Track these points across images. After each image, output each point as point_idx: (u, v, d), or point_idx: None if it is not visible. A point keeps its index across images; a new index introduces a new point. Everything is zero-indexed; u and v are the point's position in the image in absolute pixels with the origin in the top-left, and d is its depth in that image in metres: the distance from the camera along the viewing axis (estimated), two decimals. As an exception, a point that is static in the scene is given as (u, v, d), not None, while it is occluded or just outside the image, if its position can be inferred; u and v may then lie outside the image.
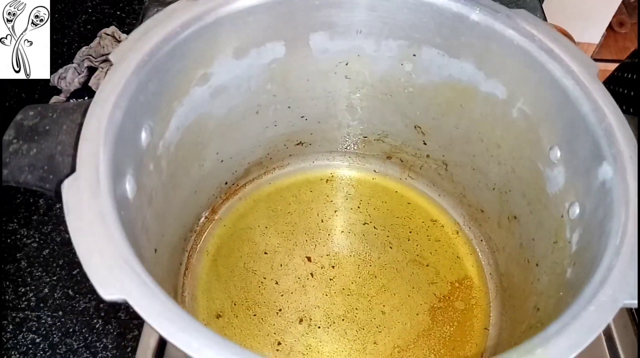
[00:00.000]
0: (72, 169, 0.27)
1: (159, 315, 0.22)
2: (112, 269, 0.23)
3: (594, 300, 0.24)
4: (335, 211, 0.52)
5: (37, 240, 0.62)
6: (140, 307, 0.22)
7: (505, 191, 0.44)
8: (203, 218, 0.49)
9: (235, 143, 0.47)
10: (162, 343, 0.48)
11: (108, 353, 0.55)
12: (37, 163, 0.30)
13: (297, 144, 0.52)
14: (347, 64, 0.45)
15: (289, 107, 0.47)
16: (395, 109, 0.48)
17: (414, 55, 0.43)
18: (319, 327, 0.45)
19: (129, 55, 0.32)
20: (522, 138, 0.40)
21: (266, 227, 0.50)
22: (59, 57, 0.68)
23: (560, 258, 0.34)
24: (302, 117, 0.49)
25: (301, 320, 0.45)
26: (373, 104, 0.48)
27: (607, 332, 0.45)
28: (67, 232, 0.67)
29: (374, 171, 0.54)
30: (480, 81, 0.41)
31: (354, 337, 0.45)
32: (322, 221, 0.51)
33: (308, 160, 0.54)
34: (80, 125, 0.30)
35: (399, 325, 0.45)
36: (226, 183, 0.50)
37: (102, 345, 0.56)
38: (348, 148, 0.53)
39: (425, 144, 0.50)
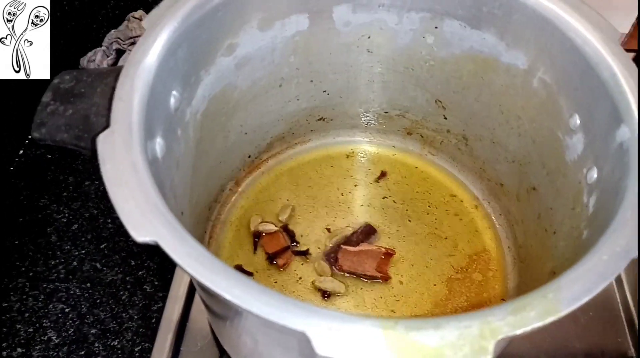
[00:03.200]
0: (107, 125, 0.28)
1: (188, 256, 0.23)
2: (144, 214, 0.24)
3: (607, 250, 0.25)
4: (355, 185, 0.53)
5: (66, 215, 0.64)
6: (170, 248, 0.23)
7: (525, 163, 0.44)
8: (227, 190, 0.50)
9: (259, 116, 0.48)
10: (185, 315, 0.50)
11: (133, 323, 0.57)
12: (73, 122, 0.32)
13: (319, 119, 0.53)
14: (369, 38, 0.46)
15: (311, 81, 0.48)
16: (416, 83, 0.48)
17: (436, 27, 0.44)
18: (338, 295, 0.46)
19: (160, 21, 0.33)
20: (542, 108, 0.40)
21: (287, 200, 0.51)
22: (88, 40, 0.70)
23: (577, 222, 0.35)
24: (324, 91, 0.50)
25: (320, 289, 0.46)
26: (394, 78, 0.49)
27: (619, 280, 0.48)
28: (95, 208, 0.69)
29: (394, 146, 0.55)
30: (501, 51, 0.41)
31: (372, 305, 0.46)
32: (342, 195, 0.52)
33: (329, 136, 0.55)
34: (114, 88, 0.32)
35: (416, 295, 0.46)
36: (249, 157, 0.51)
37: (127, 316, 0.57)
38: (369, 123, 0.54)
39: (445, 118, 0.50)
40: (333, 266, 0.46)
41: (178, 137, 0.37)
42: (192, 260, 0.23)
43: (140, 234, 0.24)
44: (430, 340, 0.21)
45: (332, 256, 0.47)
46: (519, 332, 0.21)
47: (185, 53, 0.35)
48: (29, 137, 0.70)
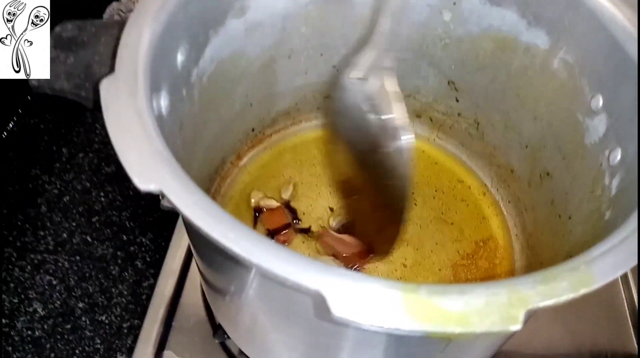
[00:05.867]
0: (111, 70, 0.27)
1: (195, 205, 0.22)
2: (148, 161, 0.23)
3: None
4: (361, 166, 0.51)
5: (58, 186, 0.62)
6: (176, 197, 0.22)
7: (539, 147, 0.43)
8: (228, 163, 0.49)
9: (265, 88, 0.46)
10: (177, 293, 0.48)
11: (123, 299, 0.55)
12: (74, 70, 0.30)
13: (326, 97, 0.51)
14: (384, 11, 0.44)
15: (321, 54, 0.47)
16: (429, 62, 0.47)
17: (454, 3, 0.42)
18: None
19: (171, -30, 0.31)
20: (561, 89, 0.39)
21: (290, 176, 0.50)
22: (88, 13, 0.68)
23: (597, 205, 0.33)
24: (333, 67, 0.48)
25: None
26: (406, 56, 0.47)
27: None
28: (88, 181, 0.67)
29: (402, 129, 0.53)
30: (521, 30, 0.40)
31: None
32: (347, 176, 0.50)
33: (335, 115, 0.53)
34: (118, 39, 0.30)
35: (420, 279, 0.45)
36: (253, 130, 0.49)
37: (117, 291, 0.56)
38: (377, 104, 0.53)
39: (457, 101, 0.49)
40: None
41: (183, 97, 0.35)
42: (199, 209, 0.21)
43: (143, 182, 0.22)
44: (454, 305, 0.19)
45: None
46: (550, 302, 0.20)
47: (196, 8, 0.33)
48: (23, 105, 0.67)
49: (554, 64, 0.39)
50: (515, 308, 0.19)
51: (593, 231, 0.32)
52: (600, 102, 0.35)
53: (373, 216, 0.44)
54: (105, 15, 0.68)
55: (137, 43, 0.28)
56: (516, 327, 0.19)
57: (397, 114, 0.37)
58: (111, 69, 0.27)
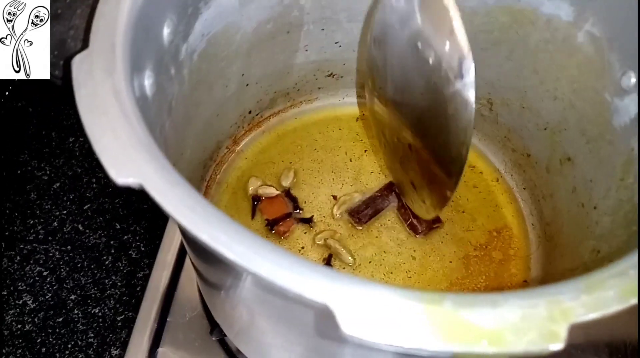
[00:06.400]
0: (85, 46, 0.23)
1: (180, 202, 0.18)
2: (126, 149, 0.20)
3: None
4: (365, 150, 0.48)
5: (47, 172, 0.60)
6: (158, 192, 0.18)
7: (560, 130, 0.40)
8: (224, 148, 0.45)
9: (262, 66, 0.43)
10: (173, 283, 0.45)
11: (117, 290, 0.53)
12: (46, 46, 0.26)
13: (328, 75, 0.48)
14: (391, -19, 0.40)
15: (322, 29, 0.43)
16: (439, 37, 0.43)
17: (468, -29, 0.38)
18: (344, 269, 0.41)
19: None
20: (587, 66, 0.35)
21: (290, 162, 0.46)
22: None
23: (628, 195, 0.30)
24: (335, 43, 0.45)
25: (325, 260, 0.42)
26: (415, 31, 0.44)
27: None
28: (79, 167, 0.64)
29: (409, 111, 0.50)
30: (542, 0, 0.36)
31: (381, 280, 0.41)
32: (351, 161, 0.47)
33: (338, 95, 0.50)
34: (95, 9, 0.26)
35: (430, 272, 0.42)
36: (250, 112, 0.46)
37: (110, 283, 0.54)
38: (383, 83, 0.49)
39: (469, 79, 0.45)
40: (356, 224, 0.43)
41: (171, 76, 0.32)
42: (185, 207, 0.18)
43: (120, 174, 0.19)
44: (486, 320, 0.16)
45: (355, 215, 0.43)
46: (596, 314, 0.17)
47: (183, -25, 0.30)
48: (10, 87, 0.64)
49: (579, 38, 0.36)
50: (557, 323, 0.16)
51: (625, 224, 0.29)
52: (633, 80, 0.32)
53: (422, 179, 0.38)
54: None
55: (115, 12, 0.25)
56: (558, 345, 0.16)
57: (458, 38, 0.28)
58: (85, 43, 0.24)
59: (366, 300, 0.16)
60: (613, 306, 0.17)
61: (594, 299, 0.17)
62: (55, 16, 0.28)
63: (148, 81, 0.28)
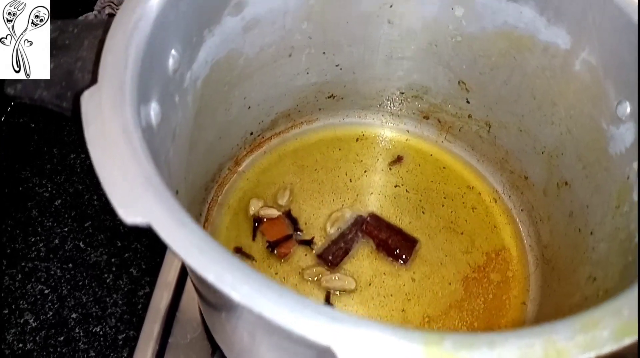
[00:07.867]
0: (94, 81, 0.24)
1: (187, 242, 0.19)
2: (135, 189, 0.20)
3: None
4: (365, 171, 0.49)
5: (49, 189, 0.60)
6: (166, 233, 0.19)
7: (557, 154, 0.40)
8: (226, 169, 0.46)
9: (264, 89, 0.43)
10: (174, 303, 0.46)
11: (118, 309, 0.53)
12: (55, 78, 0.27)
13: (329, 97, 0.49)
14: (391, 7, 0.41)
15: (323, 53, 0.44)
16: (438, 61, 0.44)
17: (467, -2, 0.39)
18: (344, 291, 0.42)
19: (160, -34, 0.28)
20: (583, 93, 0.36)
21: (291, 183, 0.47)
22: (80, 4, 0.65)
23: (624, 223, 0.31)
24: (336, 65, 0.45)
25: (326, 297, 0.42)
26: (415, 54, 0.44)
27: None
28: (80, 183, 0.65)
29: (408, 131, 0.51)
30: (540, 28, 0.37)
31: (381, 303, 0.42)
32: (351, 181, 0.48)
33: (338, 116, 0.51)
34: (103, 41, 0.27)
35: (430, 294, 0.42)
36: (251, 134, 0.47)
37: (112, 301, 0.54)
38: (382, 104, 0.50)
39: (468, 102, 0.46)
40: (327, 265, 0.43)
41: (175, 104, 0.32)
42: (194, 248, 0.19)
43: (129, 214, 0.19)
44: (485, 361, 0.17)
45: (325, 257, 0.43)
46: (591, 354, 0.17)
47: (188, 6, 0.31)
48: (12, 103, 0.65)
49: (576, 66, 0.36)
50: (553, 363, 0.17)
51: (621, 252, 0.30)
52: (628, 110, 0.33)
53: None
54: (96, 8, 0.65)
55: (123, 47, 0.25)
56: (554, 385, 0.17)
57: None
58: (94, 78, 0.25)
59: (368, 342, 0.17)
60: (607, 346, 0.18)
61: (589, 339, 0.18)
62: (62, 47, 0.28)
63: (154, 111, 0.28)
